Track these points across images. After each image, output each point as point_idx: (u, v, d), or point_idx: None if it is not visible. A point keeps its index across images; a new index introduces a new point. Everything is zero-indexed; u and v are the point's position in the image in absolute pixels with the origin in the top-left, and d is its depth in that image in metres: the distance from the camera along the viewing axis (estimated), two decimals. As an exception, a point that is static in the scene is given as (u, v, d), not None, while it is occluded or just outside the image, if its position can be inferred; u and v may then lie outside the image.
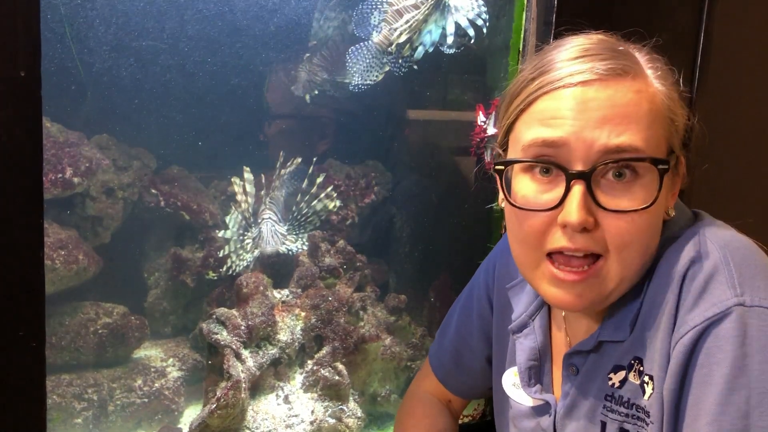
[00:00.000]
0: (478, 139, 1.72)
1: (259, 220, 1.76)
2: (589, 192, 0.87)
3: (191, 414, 1.65)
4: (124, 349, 1.65)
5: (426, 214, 2.00)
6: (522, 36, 1.54)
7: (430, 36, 1.60)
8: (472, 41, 1.60)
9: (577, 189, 0.87)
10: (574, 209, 0.86)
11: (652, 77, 0.91)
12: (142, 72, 1.61)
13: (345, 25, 1.80)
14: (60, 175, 1.55)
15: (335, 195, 1.85)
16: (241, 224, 1.76)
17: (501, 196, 0.99)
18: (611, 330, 0.95)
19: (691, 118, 0.95)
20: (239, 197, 1.74)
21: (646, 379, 0.91)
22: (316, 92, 1.81)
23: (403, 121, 1.97)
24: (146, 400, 1.62)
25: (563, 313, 1.06)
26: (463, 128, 1.80)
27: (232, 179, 1.74)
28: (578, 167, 0.87)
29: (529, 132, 0.91)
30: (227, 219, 1.75)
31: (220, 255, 1.73)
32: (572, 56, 0.91)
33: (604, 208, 0.87)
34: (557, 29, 1.42)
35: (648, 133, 0.87)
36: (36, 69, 0.95)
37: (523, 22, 1.54)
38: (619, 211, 0.87)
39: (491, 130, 1.69)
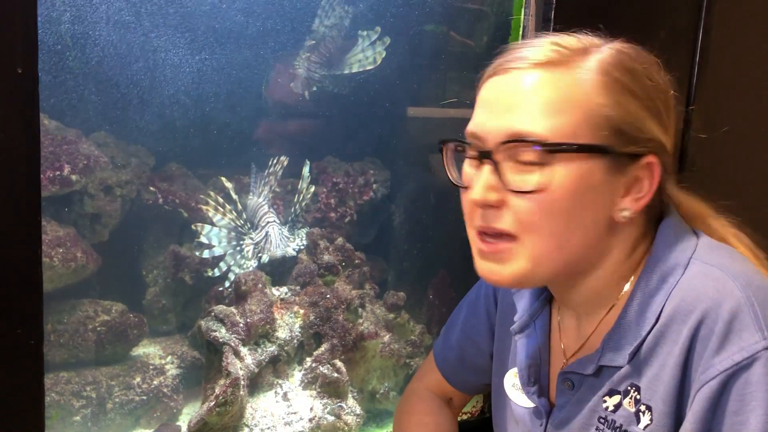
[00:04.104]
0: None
1: (263, 224, 1.73)
2: (496, 172, 0.90)
3: (190, 411, 1.65)
4: (122, 347, 1.65)
5: (425, 211, 2.00)
6: (521, 33, 1.54)
7: None
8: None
9: (485, 169, 0.92)
10: (476, 186, 0.92)
11: (596, 69, 0.89)
12: (141, 69, 1.61)
13: (342, 21, 1.80)
14: (58, 173, 1.54)
15: (309, 177, 1.80)
16: (229, 236, 1.72)
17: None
18: (611, 354, 0.95)
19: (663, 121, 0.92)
20: (217, 210, 1.69)
21: (643, 408, 0.91)
22: (315, 89, 1.81)
23: (401, 119, 1.96)
24: (145, 397, 1.61)
25: (559, 318, 1.07)
26: (462, 125, 1.79)
27: (206, 198, 1.70)
28: (486, 148, 0.92)
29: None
30: (204, 239, 1.69)
31: (218, 273, 1.70)
32: (513, 47, 0.95)
33: (506, 189, 0.90)
34: (556, 26, 1.42)
35: (555, 121, 0.87)
36: (33, 66, 0.95)
37: (522, 18, 1.53)
38: (517, 191, 0.89)
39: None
